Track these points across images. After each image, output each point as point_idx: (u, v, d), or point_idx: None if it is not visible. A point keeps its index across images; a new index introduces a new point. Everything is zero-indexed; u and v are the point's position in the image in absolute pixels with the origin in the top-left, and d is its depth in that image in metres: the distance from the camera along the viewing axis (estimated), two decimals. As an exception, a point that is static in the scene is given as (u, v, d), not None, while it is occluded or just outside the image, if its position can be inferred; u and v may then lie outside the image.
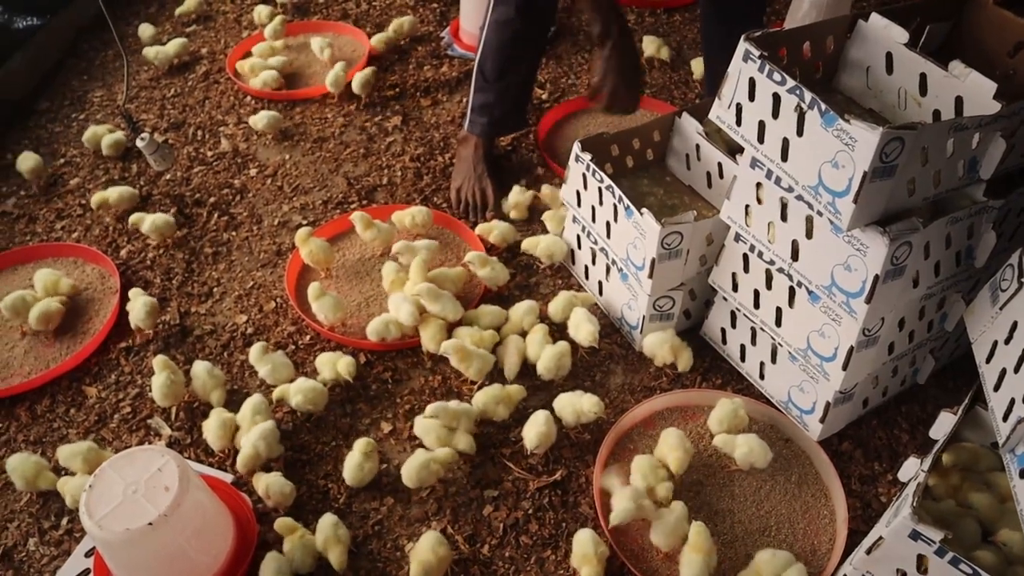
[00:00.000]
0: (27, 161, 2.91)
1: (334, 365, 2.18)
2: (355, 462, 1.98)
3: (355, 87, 3.17)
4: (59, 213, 2.85)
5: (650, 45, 3.39)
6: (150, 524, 1.63)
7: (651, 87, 3.30)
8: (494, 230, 2.60)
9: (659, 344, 2.23)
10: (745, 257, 2.07)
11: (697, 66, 3.36)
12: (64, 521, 2.02)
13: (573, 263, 2.56)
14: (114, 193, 2.75)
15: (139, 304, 2.35)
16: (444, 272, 2.43)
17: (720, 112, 1.94)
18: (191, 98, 3.35)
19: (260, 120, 3.04)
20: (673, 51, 3.47)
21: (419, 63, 3.45)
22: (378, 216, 2.63)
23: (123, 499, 1.68)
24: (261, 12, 3.64)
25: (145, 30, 3.64)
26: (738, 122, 1.89)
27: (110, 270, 2.58)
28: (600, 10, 2.36)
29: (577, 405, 2.05)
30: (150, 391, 2.23)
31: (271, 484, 1.95)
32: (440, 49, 3.54)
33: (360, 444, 1.99)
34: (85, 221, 2.80)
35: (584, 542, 1.83)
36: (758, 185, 1.93)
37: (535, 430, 2.03)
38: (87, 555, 1.93)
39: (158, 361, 2.16)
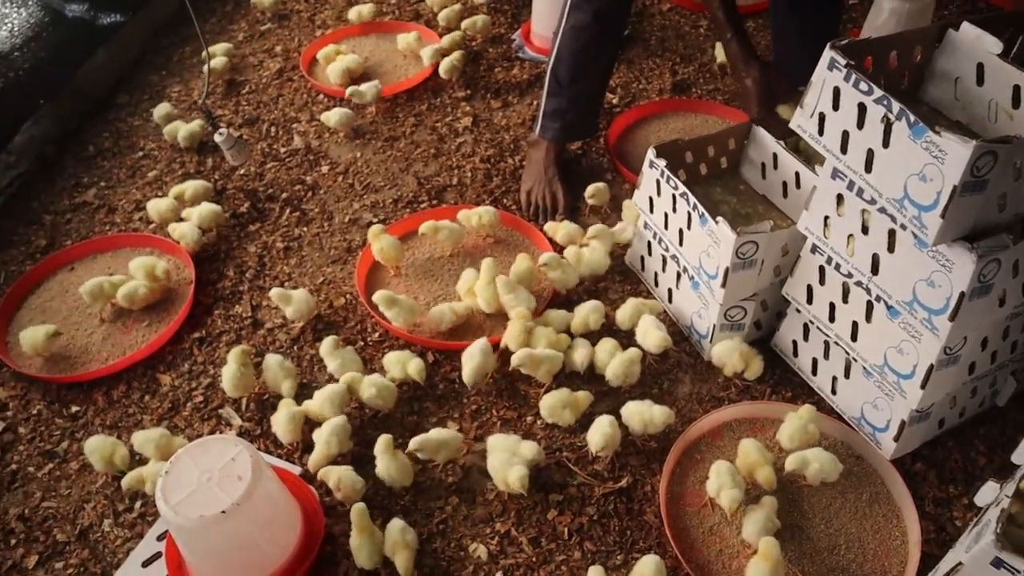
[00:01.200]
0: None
1: (403, 365, 2.19)
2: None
3: (442, 71, 3.24)
4: (137, 204, 2.92)
5: (722, 52, 3.35)
6: (223, 512, 1.66)
7: (724, 94, 3.26)
8: (560, 230, 2.60)
9: (729, 352, 2.20)
10: (822, 269, 2.03)
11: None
12: (138, 504, 2.07)
13: (642, 269, 2.54)
14: (190, 186, 2.81)
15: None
16: (516, 272, 2.44)
17: (802, 121, 1.91)
18: (265, 95, 3.41)
19: (332, 116, 3.08)
20: (746, 57, 3.42)
21: (490, 65, 3.47)
22: (446, 216, 2.65)
23: (198, 486, 1.71)
24: (362, 11, 3.66)
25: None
26: (820, 132, 1.86)
27: (185, 261, 2.64)
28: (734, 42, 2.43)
29: (646, 415, 2.04)
30: (222, 381, 2.27)
31: (343, 477, 1.97)
32: (511, 51, 3.55)
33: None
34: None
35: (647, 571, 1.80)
36: (839, 197, 1.89)
37: (600, 432, 2.02)
38: (159, 539, 1.97)
39: (234, 352, 2.20)
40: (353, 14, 3.65)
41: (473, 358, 2.15)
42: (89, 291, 2.46)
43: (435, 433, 2.03)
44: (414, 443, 2.00)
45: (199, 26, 2.70)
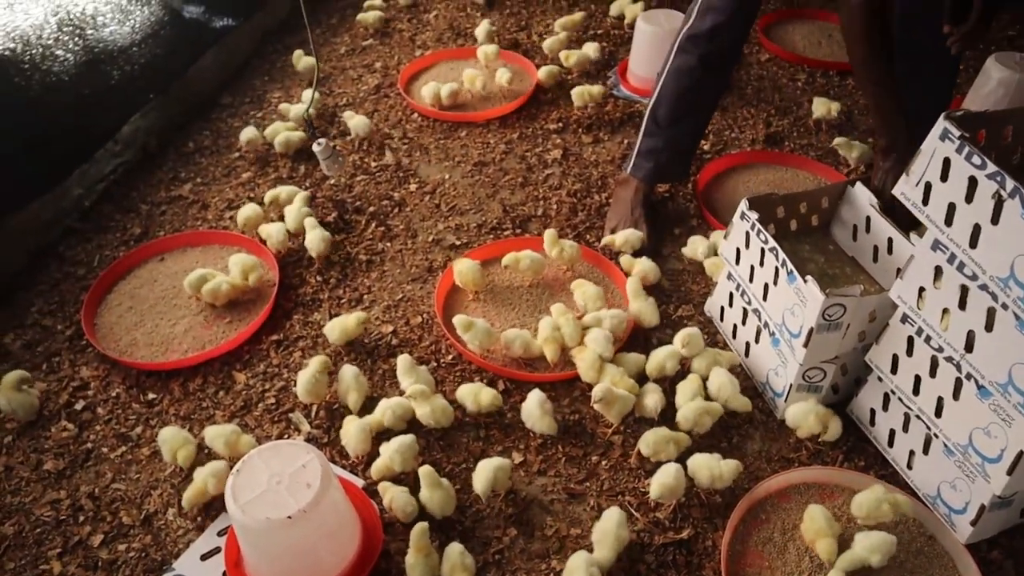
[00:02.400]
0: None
1: (476, 396, 2.20)
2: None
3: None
4: (230, 203, 3.00)
5: (820, 106, 3.32)
6: (289, 517, 1.68)
7: (817, 150, 3.22)
8: (637, 265, 2.59)
9: (804, 414, 2.16)
10: (910, 340, 1.98)
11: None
12: (202, 498, 2.11)
13: (721, 319, 2.51)
14: (284, 191, 2.88)
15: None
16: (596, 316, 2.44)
17: (906, 188, 1.87)
18: (361, 109, 3.49)
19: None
20: (843, 115, 3.38)
21: (584, 99, 3.48)
22: (528, 246, 2.66)
23: (267, 488, 1.74)
24: (488, 51, 3.62)
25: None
26: (925, 201, 1.83)
27: (271, 264, 2.70)
28: (891, 125, 2.34)
29: (716, 469, 2.01)
30: (295, 385, 2.31)
31: (396, 498, 1.98)
32: (606, 88, 3.56)
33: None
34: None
35: None
36: (937, 268, 1.85)
37: (664, 480, 1.99)
38: (219, 534, 2.01)
39: (316, 359, 2.24)
40: (480, 53, 3.64)
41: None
42: (191, 283, 2.54)
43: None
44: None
45: (312, 41, 2.79)
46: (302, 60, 3.69)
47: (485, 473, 1.99)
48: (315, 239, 2.69)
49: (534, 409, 2.16)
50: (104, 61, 2.96)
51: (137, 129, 3.21)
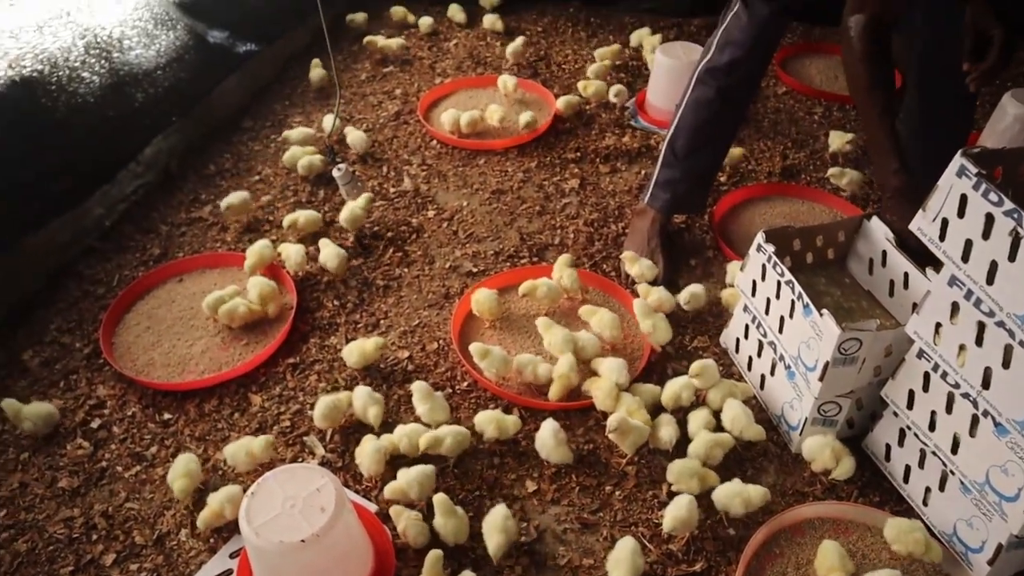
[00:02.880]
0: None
1: (499, 424, 2.20)
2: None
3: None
4: (248, 226, 3.03)
5: (836, 139, 3.33)
6: (303, 541, 1.68)
7: (833, 184, 3.22)
8: (653, 293, 2.60)
9: (820, 448, 2.15)
10: (927, 376, 1.98)
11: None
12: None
13: (736, 351, 2.51)
14: (302, 216, 2.91)
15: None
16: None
17: (922, 224, 1.88)
18: (380, 135, 3.52)
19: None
20: (859, 149, 3.39)
21: (601, 130, 3.51)
22: (545, 274, 2.67)
23: (281, 511, 1.74)
24: (507, 82, 3.65)
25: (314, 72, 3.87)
26: (942, 237, 1.83)
27: (288, 287, 2.71)
28: (879, 150, 2.36)
29: (744, 495, 2.01)
30: (310, 409, 2.32)
31: (410, 526, 1.98)
32: (624, 118, 3.59)
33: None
34: (271, 236, 2.96)
35: None
36: (954, 304, 1.84)
37: (675, 514, 1.98)
38: (232, 556, 2.01)
39: (342, 394, 2.27)
40: (500, 84, 3.68)
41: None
42: (209, 304, 2.57)
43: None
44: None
45: (335, 69, 2.83)
46: (316, 70, 3.79)
47: (496, 536, 1.95)
48: (330, 255, 2.72)
49: (548, 439, 2.15)
50: (129, 84, 3.01)
51: (159, 151, 3.26)
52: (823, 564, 1.92)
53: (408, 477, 2.03)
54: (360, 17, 4.29)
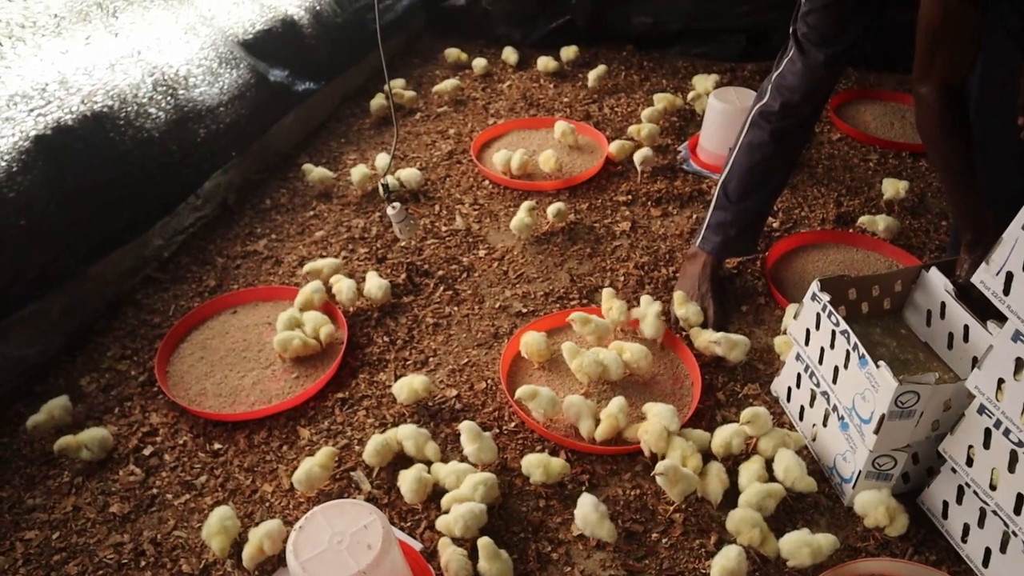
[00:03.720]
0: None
1: (546, 467, 2.18)
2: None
3: (549, 214, 3.16)
4: (302, 260, 3.08)
5: (889, 187, 3.29)
6: (349, 577, 1.68)
7: (888, 231, 3.17)
8: (702, 336, 2.59)
9: (874, 504, 2.10)
10: (988, 432, 1.92)
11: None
12: (261, 551, 2.12)
13: (788, 401, 2.47)
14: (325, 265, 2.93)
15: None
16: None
17: (985, 277, 1.84)
18: (434, 174, 3.57)
19: (552, 210, 3.14)
20: (916, 197, 3.35)
21: (653, 173, 3.52)
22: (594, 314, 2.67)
23: (328, 547, 1.74)
24: (564, 128, 3.67)
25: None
26: (1006, 291, 1.79)
27: (340, 322, 2.74)
28: (975, 219, 2.27)
29: (814, 544, 1.98)
30: (358, 444, 2.34)
31: (452, 560, 1.97)
32: (676, 162, 3.60)
33: None
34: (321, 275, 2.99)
35: None
36: (1018, 360, 1.80)
37: (725, 564, 1.94)
38: (276, 589, 2.02)
39: (392, 431, 2.30)
40: (558, 131, 3.70)
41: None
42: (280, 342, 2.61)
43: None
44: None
45: (392, 107, 2.88)
46: (378, 98, 3.98)
47: None
48: (374, 286, 2.78)
49: (590, 514, 2.06)
50: (192, 119, 3.09)
51: (218, 185, 3.34)
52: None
53: (457, 512, 2.03)
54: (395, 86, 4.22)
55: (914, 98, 2.24)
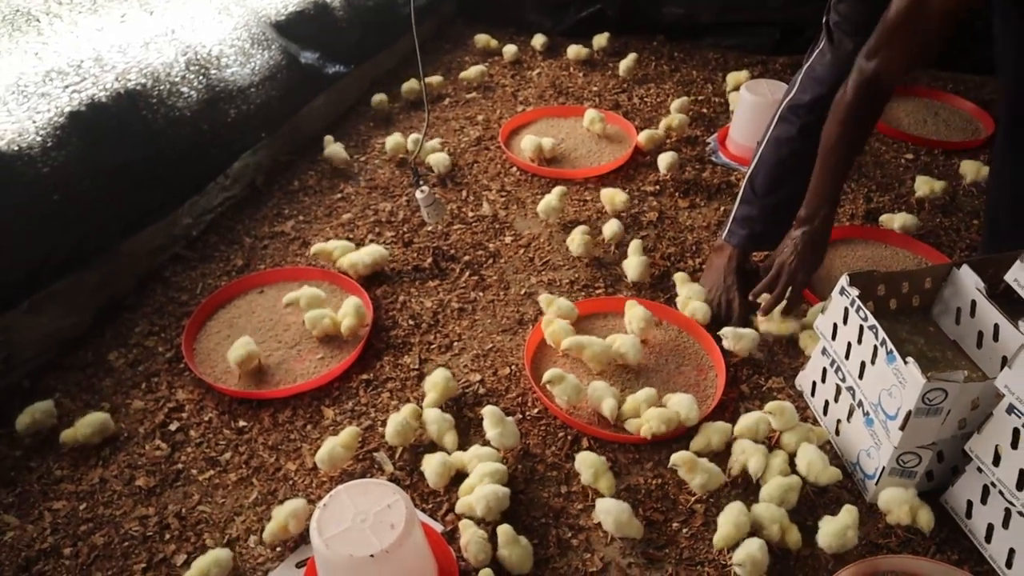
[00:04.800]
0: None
1: (596, 475, 2.15)
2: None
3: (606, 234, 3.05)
4: (328, 242, 3.09)
5: (924, 185, 3.26)
6: (372, 556, 1.70)
7: (920, 229, 3.14)
8: (732, 337, 2.57)
9: (898, 502, 2.08)
10: (1016, 432, 1.91)
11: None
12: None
13: (812, 395, 2.46)
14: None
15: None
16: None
17: (1020, 275, 1.82)
18: (462, 159, 3.57)
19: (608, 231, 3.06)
20: (947, 195, 3.31)
21: (682, 165, 3.50)
22: (618, 307, 2.69)
23: (351, 525, 1.76)
24: (593, 117, 3.64)
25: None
26: (1040, 290, 1.77)
27: (366, 303, 2.75)
28: (816, 191, 2.41)
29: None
30: (381, 425, 2.35)
31: (472, 541, 1.98)
32: (705, 154, 3.58)
33: None
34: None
35: None
36: (1050, 360, 1.78)
37: (749, 551, 1.94)
38: (298, 566, 2.04)
39: (409, 407, 2.29)
40: (587, 120, 3.69)
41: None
42: (311, 319, 2.63)
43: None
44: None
45: (424, 91, 2.89)
46: (411, 82, 4.00)
47: None
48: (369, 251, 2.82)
49: (621, 513, 2.04)
50: (223, 100, 3.11)
51: (247, 165, 3.36)
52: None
53: (480, 493, 2.04)
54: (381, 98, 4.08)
55: (855, 69, 2.24)
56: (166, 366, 2.60)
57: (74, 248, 2.57)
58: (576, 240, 2.92)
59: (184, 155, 2.93)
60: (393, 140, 3.53)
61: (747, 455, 2.20)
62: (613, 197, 3.13)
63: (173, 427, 2.41)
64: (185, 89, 2.96)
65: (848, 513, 2.04)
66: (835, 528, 2.02)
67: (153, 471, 2.29)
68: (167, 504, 2.21)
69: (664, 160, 3.33)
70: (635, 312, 2.60)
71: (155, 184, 2.83)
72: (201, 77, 3.03)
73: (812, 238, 2.45)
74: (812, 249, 2.47)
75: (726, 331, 2.55)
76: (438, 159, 3.41)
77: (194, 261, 3.02)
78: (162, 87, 2.87)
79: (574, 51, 4.32)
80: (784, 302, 2.52)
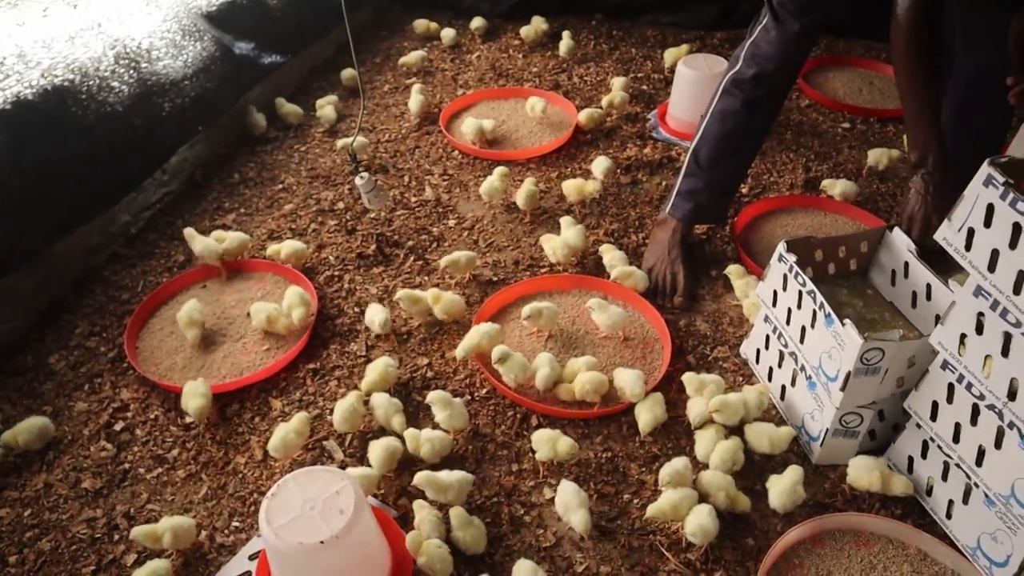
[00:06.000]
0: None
1: (554, 445, 2.16)
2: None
3: (520, 200, 3.09)
4: (271, 233, 3.06)
5: (882, 156, 3.27)
6: (322, 542, 1.69)
7: (857, 195, 3.20)
8: (630, 278, 2.68)
9: (867, 469, 2.12)
10: (951, 387, 1.96)
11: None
12: (234, 522, 2.12)
13: (757, 363, 2.50)
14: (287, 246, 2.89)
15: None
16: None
17: (948, 234, 1.86)
18: (403, 145, 3.55)
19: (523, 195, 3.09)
20: (899, 164, 3.37)
21: (623, 141, 3.52)
22: (562, 284, 2.70)
23: (300, 513, 1.75)
24: (535, 104, 3.60)
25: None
26: (967, 247, 1.81)
27: (311, 293, 2.73)
28: (923, 137, 2.40)
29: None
30: (330, 414, 2.33)
31: (425, 522, 1.98)
32: (646, 130, 3.60)
33: None
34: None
35: None
36: (980, 315, 1.83)
37: (698, 521, 1.97)
38: (251, 558, 2.02)
39: (354, 393, 2.29)
40: (529, 107, 3.64)
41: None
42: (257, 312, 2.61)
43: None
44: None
45: (359, 75, 2.86)
46: (348, 70, 4.00)
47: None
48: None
49: (571, 499, 2.04)
50: (156, 93, 3.05)
51: (185, 159, 3.30)
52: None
53: (425, 436, 2.12)
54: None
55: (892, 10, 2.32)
56: (109, 366, 2.56)
57: (5, 250, 2.50)
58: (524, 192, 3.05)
59: (118, 151, 2.87)
60: (326, 111, 3.60)
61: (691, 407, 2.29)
62: (582, 187, 3.10)
63: (118, 427, 2.37)
64: (116, 84, 2.89)
65: (795, 471, 2.09)
66: (784, 485, 2.07)
67: (99, 472, 2.25)
68: (115, 505, 2.17)
69: (599, 166, 3.19)
70: (613, 255, 2.77)
71: (89, 182, 2.76)
72: (132, 71, 2.97)
73: (932, 177, 2.37)
74: (937, 187, 2.37)
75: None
76: (359, 143, 3.33)
77: (133, 259, 2.97)
78: (91, 82, 2.80)
79: (512, 34, 4.28)
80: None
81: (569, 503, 2.02)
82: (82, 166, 2.72)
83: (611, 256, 2.76)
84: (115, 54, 2.92)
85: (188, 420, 2.38)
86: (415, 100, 3.67)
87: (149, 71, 3.03)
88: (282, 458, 2.23)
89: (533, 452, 2.21)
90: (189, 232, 2.83)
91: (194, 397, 2.30)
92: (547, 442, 2.17)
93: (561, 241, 2.80)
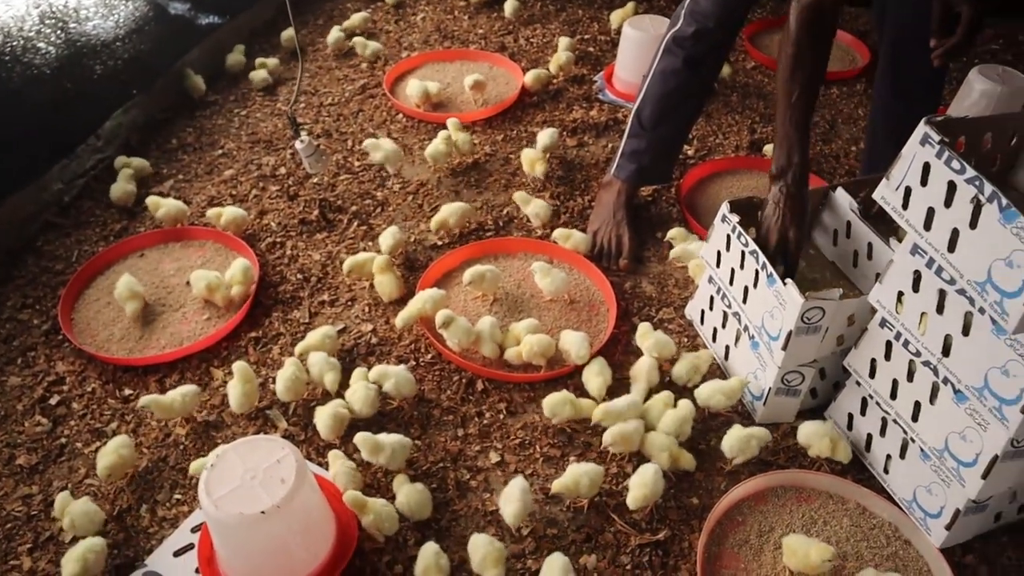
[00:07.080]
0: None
1: (573, 405, 2.17)
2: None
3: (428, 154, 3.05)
4: (211, 200, 2.99)
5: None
6: (263, 512, 1.66)
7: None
8: (572, 239, 2.70)
9: (818, 436, 2.14)
10: (888, 344, 1.99)
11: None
12: (176, 495, 2.09)
13: (702, 324, 2.51)
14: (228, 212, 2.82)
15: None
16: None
17: (886, 192, 1.88)
18: (346, 108, 3.48)
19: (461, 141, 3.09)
20: (827, 123, 3.41)
21: (569, 104, 3.49)
22: (508, 247, 2.69)
23: (241, 483, 1.72)
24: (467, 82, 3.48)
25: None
26: (904, 205, 1.83)
27: (252, 261, 2.67)
28: (789, 145, 2.19)
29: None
30: (272, 383, 2.29)
31: (340, 474, 2.00)
32: (592, 93, 3.57)
33: None
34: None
35: None
36: (916, 273, 1.85)
37: (642, 481, 1.98)
38: (193, 530, 1.99)
39: (292, 360, 2.24)
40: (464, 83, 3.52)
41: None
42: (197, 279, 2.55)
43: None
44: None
45: (297, 37, 2.78)
46: (288, 31, 3.89)
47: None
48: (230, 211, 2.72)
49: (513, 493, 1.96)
50: (87, 55, 2.94)
51: (120, 124, 3.19)
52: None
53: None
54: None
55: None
56: (43, 339, 2.48)
57: (-71, 220, 2.41)
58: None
59: (47, 116, 2.77)
60: (259, 73, 3.58)
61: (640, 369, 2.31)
62: (534, 164, 3.02)
63: (54, 401, 2.31)
64: (42, 45, 2.78)
65: (752, 428, 2.13)
66: (741, 435, 2.10)
67: (35, 448, 2.19)
68: (52, 480, 2.12)
69: (543, 138, 3.08)
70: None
71: (16, 148, 2.67)
72: (59, 31, 2.86)
73: (789, 190, 2.19)
74: (792, 201, 2.20)
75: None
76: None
77: (67, 228, 2.88)
78: (15, 43, 2.69)
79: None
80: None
81: (510, 495, 1.97)
82: (8, 131, 2.62)
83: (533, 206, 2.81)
84: (40, 13, 2.80)
85: (127, 392, 2.32)
86: (369, 48, 3.73)
87: (78, 31, 2.92)
88: (246, 410, 2.22)
89: (479, 417, 2.20)
90: (153, 200, 2.80)
91: (104, 455, 2.07)
92: (564, 404, 2.16)
93: (532, 211, 2.82)
